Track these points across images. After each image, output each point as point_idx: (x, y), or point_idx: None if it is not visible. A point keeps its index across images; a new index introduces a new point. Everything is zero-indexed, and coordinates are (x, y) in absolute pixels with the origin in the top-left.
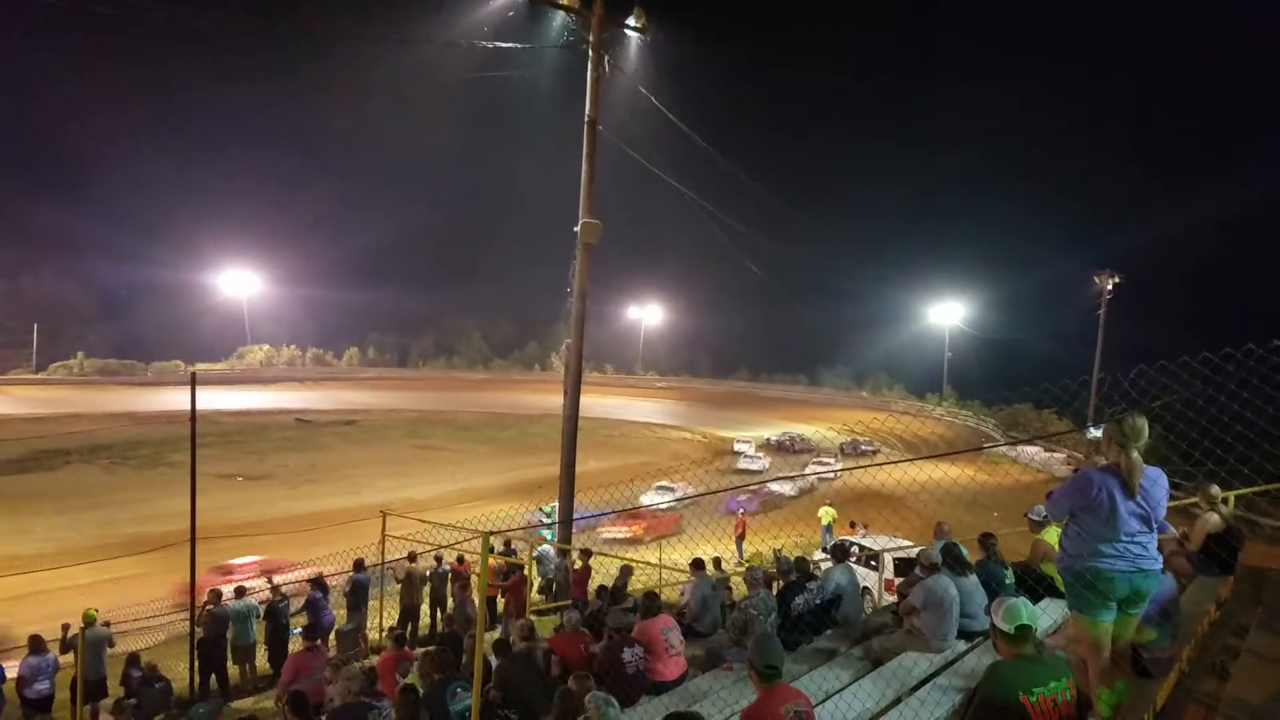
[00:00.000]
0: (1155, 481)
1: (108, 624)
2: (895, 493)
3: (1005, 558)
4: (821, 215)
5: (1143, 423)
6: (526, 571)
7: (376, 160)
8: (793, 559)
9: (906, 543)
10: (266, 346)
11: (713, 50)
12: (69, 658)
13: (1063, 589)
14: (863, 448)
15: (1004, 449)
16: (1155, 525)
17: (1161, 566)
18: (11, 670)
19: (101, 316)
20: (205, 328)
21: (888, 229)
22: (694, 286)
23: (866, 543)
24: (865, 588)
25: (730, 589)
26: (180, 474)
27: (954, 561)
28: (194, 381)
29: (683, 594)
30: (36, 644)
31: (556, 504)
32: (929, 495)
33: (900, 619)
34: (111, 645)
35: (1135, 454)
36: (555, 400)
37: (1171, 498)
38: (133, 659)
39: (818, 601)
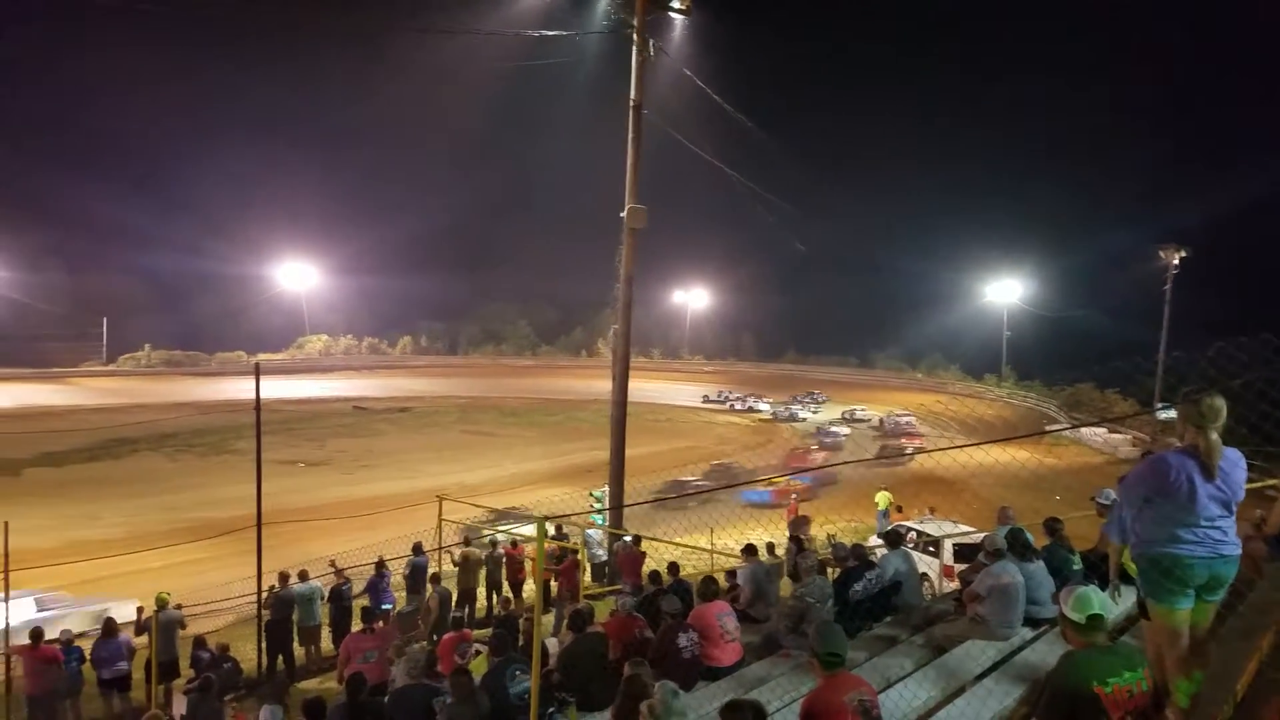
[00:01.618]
0: (1235, 464)
1: (179, 607)
2: (956, 476)
3: (1072, 543)
4: (872, 193)
5: (1221, 403)
6: (579, 556)
7: (425, 150)
8: (846, 544)
9: (967, 528)
10: (324, 336)
11: (757, 27)
12: (143, 639)
13: (1135, 576)
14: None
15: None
16: (1234, 509)
17: (1240, 552)
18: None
19: (166, 309)
20: (265, 319)
21: (941, 206)
22: (739, 269)
23: (926, 528)
24: (924, 574)
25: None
26: (242, 460)
27: (1019, 547)
28: (258, 372)
29: (729, 579)
30: (109, 626)
31: (606, 488)
32: (990, 478)
33: (963, 606)
34: (183, 627)
35: (1214, 435)
36: (601, 385)
37: (1248, 480)
38: (200, 641)
39: (876, 588)
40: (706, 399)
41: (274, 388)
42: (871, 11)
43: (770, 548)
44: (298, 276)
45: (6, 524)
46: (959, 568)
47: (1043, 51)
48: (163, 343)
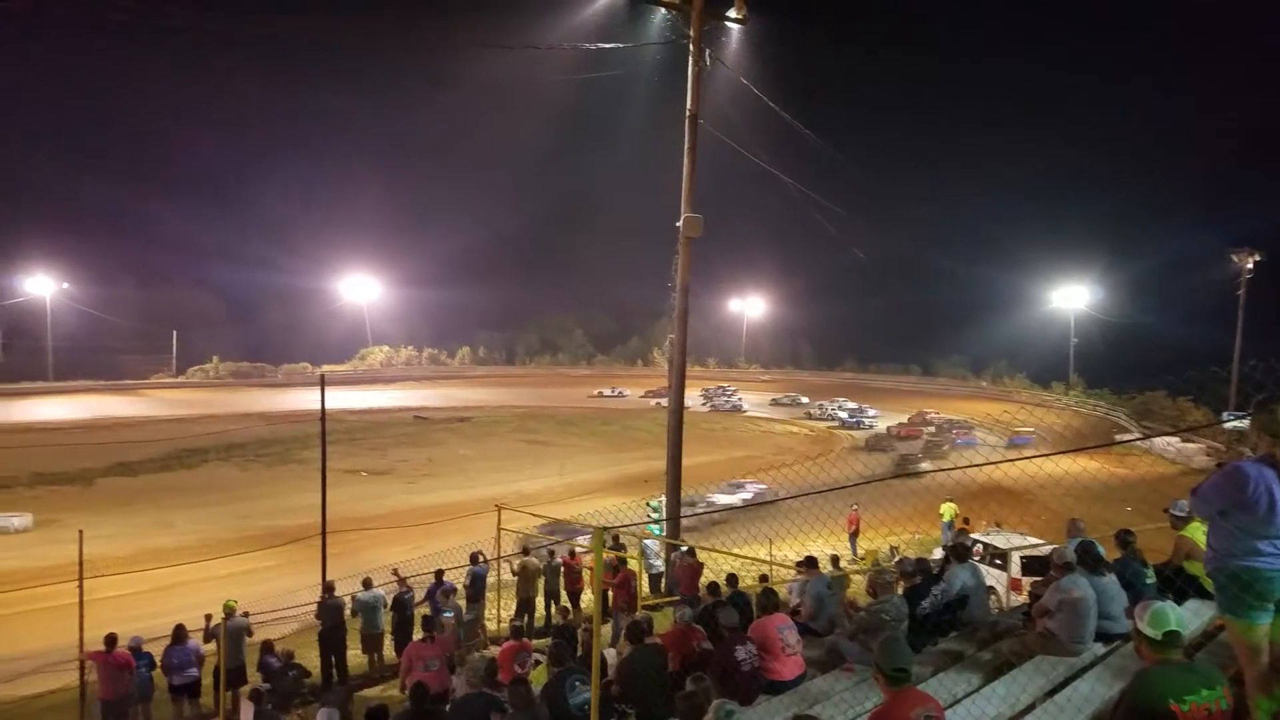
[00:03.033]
0: None
1: (246, 614)
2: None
3: (1145, 556)
4: (933, 198)
5: None
6: (635, 567)
7: (480, 162)
8: (912, 558)
9: (1034, 540)
10: (386, 348)
11: (815, 32)
12: (211, 646)
13: (1211, 590)
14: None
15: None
16: None
17: None
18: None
19: (232, 321)
20: (329, 331)
21: (1005, 210)
22: (797, 277)
23: (992, 540)
24: (991, 587)
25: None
26: (308, 470)
27: (1091, 560)
28: (323, 383)
29: (790, 592)
30: (179, 633)
31: (663, 498)
32: (1058, 489)
33: (1031, 620)
34: (250, 634)
35: None
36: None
37: None
38: (267, 646)
39: (943, 603)
40: (776, 402)
41: (338, 398)
42: (930, 14)
43: (835, 560)
44: (360, 289)
45: (81, 533)
46: (1026, 581)
47: (1109, 51)
48: (231, 355)
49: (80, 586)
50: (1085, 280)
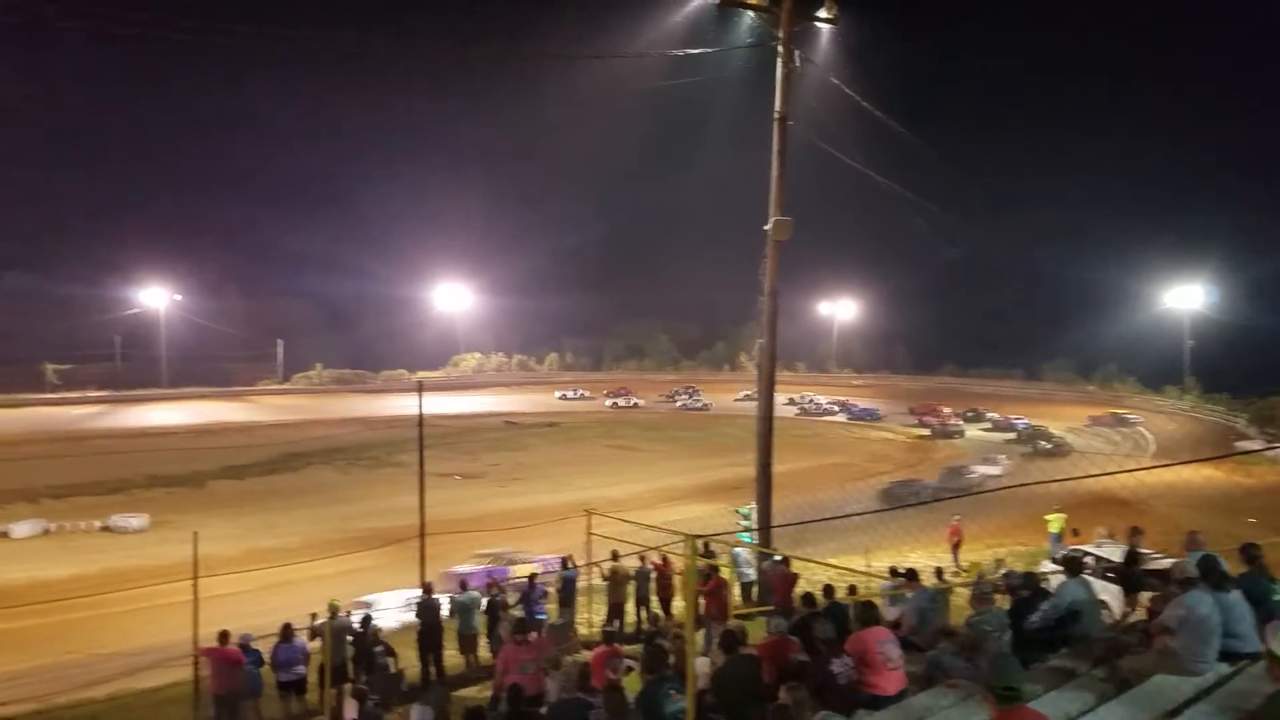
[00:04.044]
0: None
1: (349, 613)
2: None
3: (1273, 572)
4: (1036, 195)
5: None
6: (725, 575)
7: (568, 171)
8: (1020, 571)
9: (1150, 552)
10: (477, 354)
11: (909, 31)
12: (317, 644)
13: None
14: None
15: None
16: None
17: None
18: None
19: (334, 329)
20: (423, 338)
21: (1114, 208)
22: (891, 278)
23: (1103, 552)
24: (1103, 602)
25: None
26: (404, 473)
27: (1215, 575)
28: (420, 390)
29: (886, 603)
30: (287, 631)
31: (754, 505)
32: (1174, 498)
33: (1149, 638)
34: (352, 634)
35: None
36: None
37: None
38: (374, 639)
39: (1054, 618)
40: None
41: (432, 403)
42: (1029, 5)
43: (939, 573)
44: (452, 297)
45: (196, 534)
46: (1143, 596)
47: (1223, 39)
48: (333, 362)
49: (195, 585)
50: (1200, 279)
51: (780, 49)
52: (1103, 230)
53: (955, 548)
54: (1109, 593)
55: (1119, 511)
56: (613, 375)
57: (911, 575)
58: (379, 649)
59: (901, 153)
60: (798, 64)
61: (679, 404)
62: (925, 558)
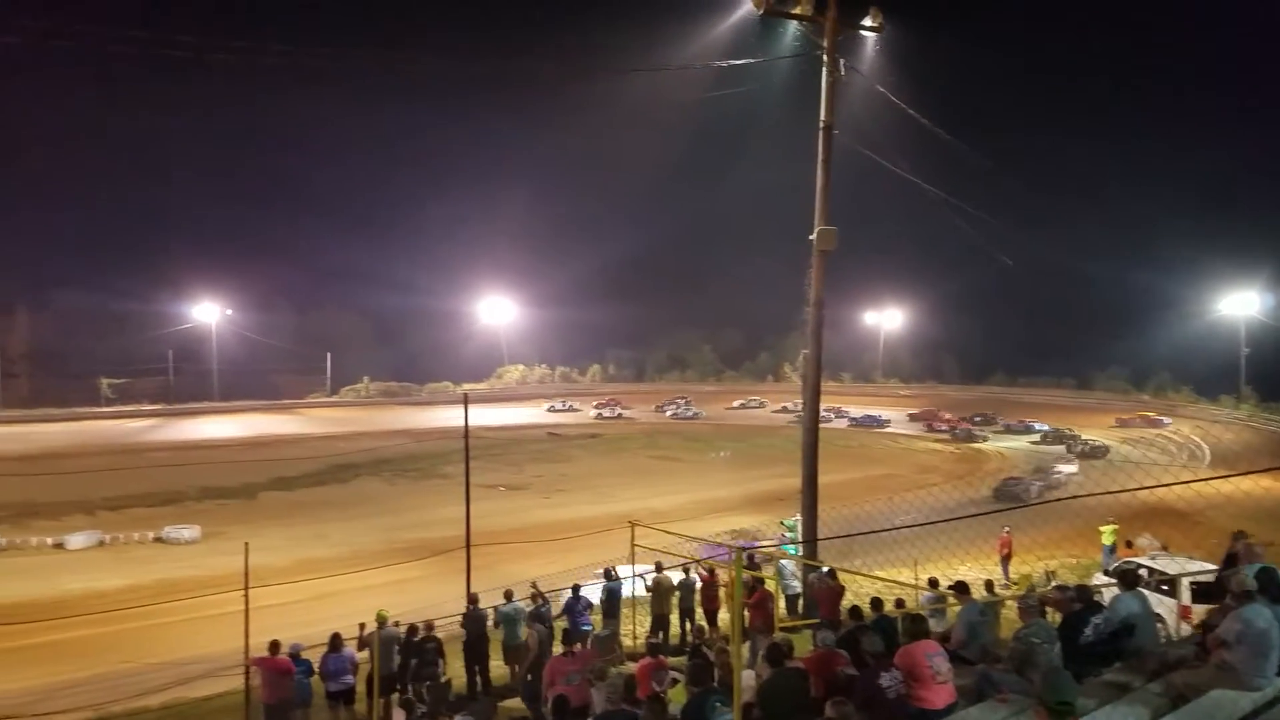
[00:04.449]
0: None
1: (397, 623)
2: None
3: None
4: (1085, 203)
5: None
6: (771, 587)
7: (611, 183)
8: (1071, 584)
9: (1205, 564)
10: (521, 366)
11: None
12: (365, 654)
13: None
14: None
15: None
16: None
17: None
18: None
19: (381, 343)
20: (467, 350)
21: (1165, 214)
22: (938, 287)
23: (1159, 565)
24: (1158, 615)
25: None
26: (450, 484)
27: (1273, 587)
28: (466, 402)
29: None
30: (335, 641)
31: (799, 518)
32: (1232, 509)
33: (1206, 652)
34: (400, 643)
35: None
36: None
37: None
38: (413, 629)
39: (1107, 632)
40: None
41: (476, 415)
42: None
43: (990, 585)
44: (496, 310)
45: (247, 545)
46: (1197, 609)
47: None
48: (380, 375)
49: (246, 596)
50: (1256, 286)
51: (825, 58)
52: (1156, 236)
53: (1005, 560)
54: (1164, 606)
55: (1174, 523)
56: (655, 386)
57: (961, 588)
58: (430, 644)
59: (949, 160)
60: (843, 72)
61: (669, 414)
62: (975, 570)
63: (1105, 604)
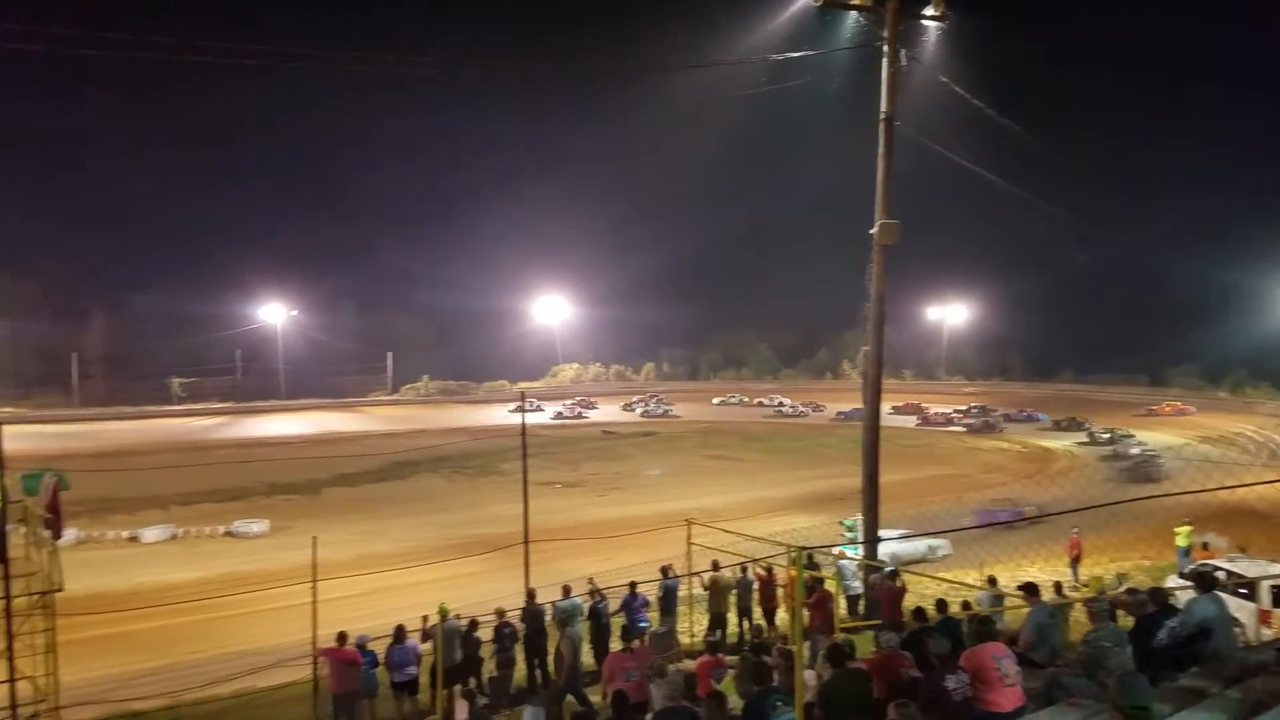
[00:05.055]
0: None
1: (458, 616)
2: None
3: None
4: (1158, 195)
5: None
6: (831, 587)
7: (666, 181)
8: (1145, 588)
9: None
10: (575, 365)
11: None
12: (428, 645)
13: None
14: None
15: None
16: None
17: None
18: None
19: (440, 342)
20: (523, 349)
21: (1241, 207)
22: (1004, 282)
23: (1238, 567)
24: (1236, 619)
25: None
26: (508, 481)
27: None
28: (523, 399)
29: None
30: (399, 633)
31: (859, 517)
32: None
33: None
34: (462, 636)
35: None
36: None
37: None
38: (473, 624)
39: (1183, 636)
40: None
41: (533, 413)
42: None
43: (1059, 587)
44: (551, 309)
45: (315, 539)
46: (1278, 613)
47: None
48: (439, 374)
49: (314, 589)
50: None
51: (885, 49)
52: (1230, 229)
53: (1074, 562)
54: (1243, 610)
55: (1255, 524)
56: (710, 385)
57: (1030, 589)
58: (507, 630)
59: (1015, 153)
60: (904, 63)
61: (639, 411)
62: (1044, 572)
63: (1180, 607)
